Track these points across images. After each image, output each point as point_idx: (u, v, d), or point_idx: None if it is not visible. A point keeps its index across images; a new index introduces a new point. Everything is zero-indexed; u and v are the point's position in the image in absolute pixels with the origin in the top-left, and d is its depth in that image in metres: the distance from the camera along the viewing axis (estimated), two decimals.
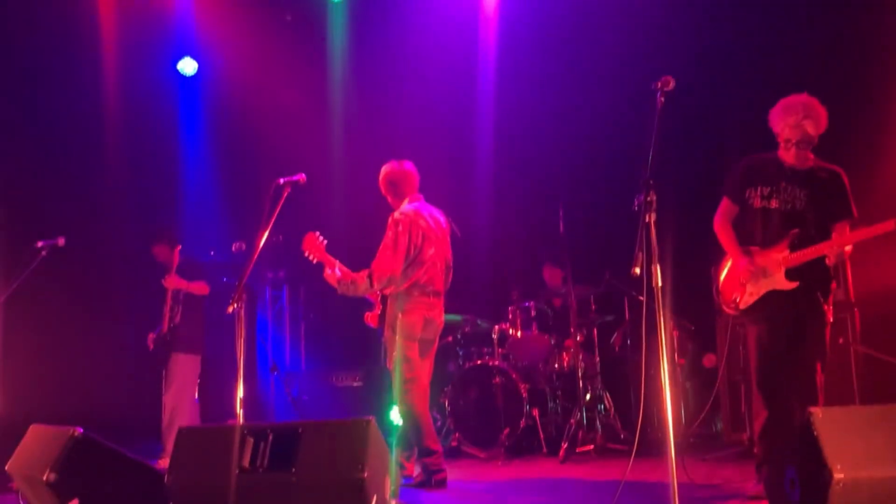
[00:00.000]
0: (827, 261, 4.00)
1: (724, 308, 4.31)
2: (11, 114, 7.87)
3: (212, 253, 8.05)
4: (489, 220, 8.31)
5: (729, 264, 4.26)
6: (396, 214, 4.91)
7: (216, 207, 8.91)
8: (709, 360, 6.92)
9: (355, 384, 7.78)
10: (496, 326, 6.80)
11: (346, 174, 8.39)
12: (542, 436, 6.23)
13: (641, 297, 3.27)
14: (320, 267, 4.96)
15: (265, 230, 4.05)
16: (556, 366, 6.77)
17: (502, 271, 8.06)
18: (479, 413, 6.37)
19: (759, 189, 4.13)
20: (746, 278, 4.10)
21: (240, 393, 3.75)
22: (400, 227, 4.81)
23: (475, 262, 7.64)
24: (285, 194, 4.14)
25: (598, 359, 6.90)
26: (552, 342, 6.80)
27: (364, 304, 5.27)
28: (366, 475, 2.96)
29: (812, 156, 4.10)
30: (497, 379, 6.37)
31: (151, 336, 6.37)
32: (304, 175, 4.20)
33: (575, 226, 6.37)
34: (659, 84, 3.34)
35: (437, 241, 4.95)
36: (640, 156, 3.26)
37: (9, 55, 7.89)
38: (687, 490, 4.15)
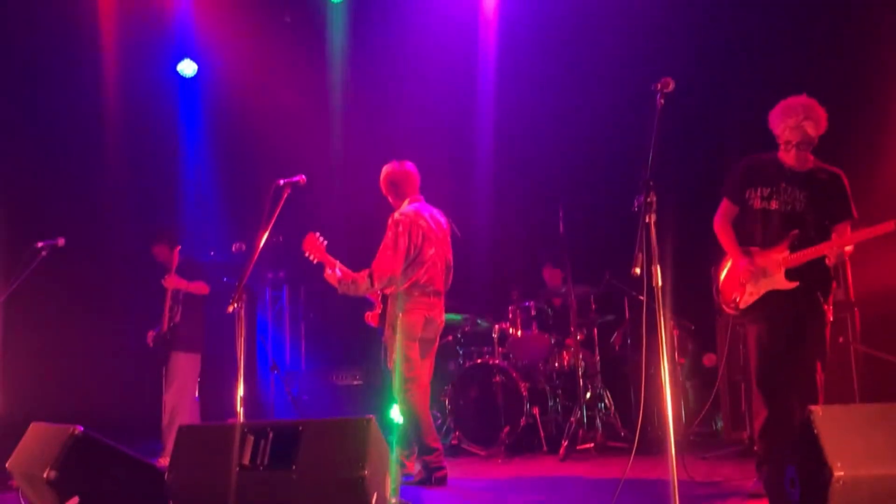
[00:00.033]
0: (827, 261, 4.00)
1: (724, 308, 4.31)
2: (11, 114, 7.88)
3: (212, 253, 8.05)
4: (489, 220, 8.31)
5: (729, 264, 4.26)
6: (396, 215, 4.91)
7: (216, 208, 8.91)
8: (709, 359, 6.93)
9: (355, 383, 7.79)
10: (496, 326, 6.81)
11: (346, 174, 8.40)
12: (542, 434, 6.24)
13: (641, 297, 3.28)
14: (320, 267, 4.97)
15: (265, 231, 4.05)
16: (557, 365, 6.78)
17: (502, 271, 8.07)
18: (480, 411, 6.38)
19: (758, 190, 4.13)
20: (746, 278, 4.10)
21: (240, 392, 3.75)
22: (400, 228, 4.82)
23: (475, 262, 7.64)
24: (285, 195, 4.14)
25: (598, 358, 6.91)
26: (552, 341, 6.81)
27: (364, 303, 5.28)
28: (366, 473, 2.96)
29: (812, 157, 4.11)
30: (497, 378, 6.38)
31: (151, 334, 6.37)
32: (303, 176, 4.20)
33: (575, 226, 6.38)
34: (659, 85, 3.34)
35: (438, 241, 4.96)
36: (639, 156, 3.26)
37: (9, 55, 7.90)
38: (687, 488, 4.15)
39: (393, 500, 3.38)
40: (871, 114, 6.37)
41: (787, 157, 4.07)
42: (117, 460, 3.64)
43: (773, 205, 4.09)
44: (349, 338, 8.25)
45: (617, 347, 7.30)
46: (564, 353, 6.81)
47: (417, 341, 4.83)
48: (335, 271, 4.88)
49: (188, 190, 9.08)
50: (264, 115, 8.75)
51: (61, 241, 5.55)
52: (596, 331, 6.98)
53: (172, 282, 6.24)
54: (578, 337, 6.54)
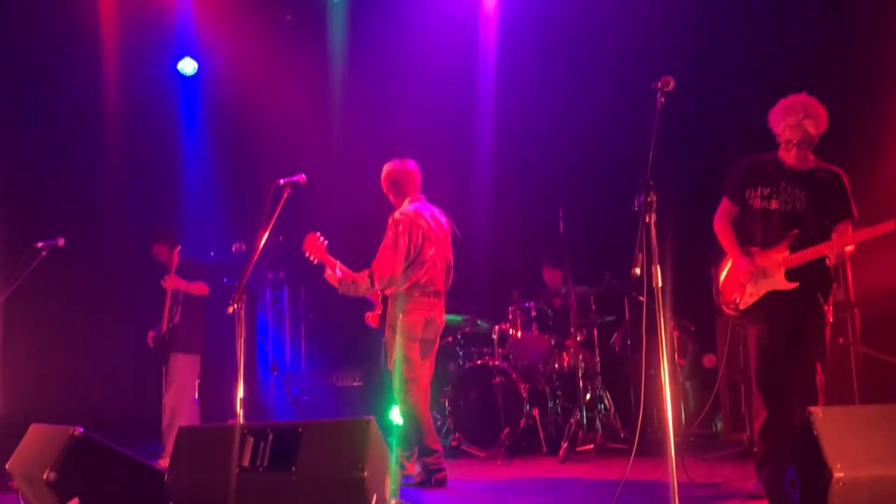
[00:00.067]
0: (827, 261, 4.00)
1: (724, 308, 4.31)
2: (11, 114, 7.88)
3: (212, 253, 8.05)
4: (489, 220, 8.31)
5: (729, 265, 4.26)
6: (397, 214, 4.91)
7: (216, 207, 8.91)
8: (709, 360, 6.93)
9: (355, 384, 7.79)
10: (496, 327, 6.81)
11: (346, 174, 8.39)
12: (542, 435, 6.24)
13: (641, 298, 3.27)
14: (321, 267, 4.96)
15: (265, 231, 4.05)
16: (556, 366, 6.77)
17: (502, 272, 8.07)
18: (480, 413, 6.38)
19: (759, 189, 4.13)
20: (746, 279, 4.10)
21: (240, 393, 3.75)
22: (400, 228, 4.81)
23: (475, 262, 7.64)
24: (285, 195, 4.14)
25: (598, 359, 6.90)
26: (552, 342, 6.81)
27: (364, 304, 5.27)
28: (366, 475, 2.96)
29: (812, 156, 4.10)
30: (497, 379, 6.37)
31: (151, 334, 6.37)
32: (303, 175, 4.20)
33: (575, 226, 6.37)
34: (659, 84, 3.33)
35: (438, 241, 4.96)
36: (640, 156, 3.26)
37: (9, 55, 7.90)
38: (687, 489, 4.15)
39: (392, 502, 3.38)
40: (871, 113, 6.36)
41: (788, 156, 4.07)
42: (117, 462, 3.64)
43: (774, 204, 4.08)
44: (349, 339, 8.25)
45: (617, 348, 7.29)
46: (564, 354, 6.81)
47: (418, 342, 4.82)
48: (335, 271, 4.87)
49: (188, 190, 9.07)
50: (264, 114, 8.75)
51: (61, 242, 5.55)
52: (596, 331, 6.98)
53: (172, 282, 6.23)
54: (578, 338, 6.54)
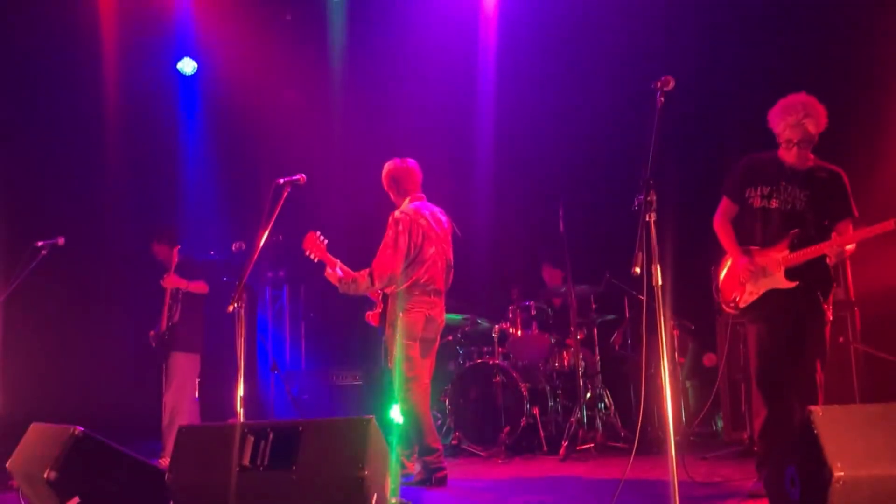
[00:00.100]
0: (828, 260, 4.00)
1: (724, 307, 4.31)
2: (11, 114, 7.88)
3: (212, 252, 8.05)
4: (489, 219, 8.31)
5: (728, 264, 4.26)
6: (397, 213, 4.91)
7: (216, 207, 8.91)
8: (709, 359, 6.93)
9: (355, 383, 7.79)
10: (496, 326, 6.80)
11: (346, 174, 8.40)
12: (542, 434, 6.24)
13: (641, 297, 3.27)
14: (321, 266, 4.97)
15: (265, 230, 4.05)
16: (557, 364, 6.78)
17: (502, 271, 8.07)
18: (480, 412, 6.38)
19: (758, 189, 4.13)
20: (746, 277, 4.10)
21: (240, 392, 3.75)
22: (400, 227, 4.82)
23: (475, 261, 7.65)
24: (285, 194, 4.14)
25: (598, 358, 6.90)
26: (552, 341, 6.81)
27: (365, 302, 5.27)
28: (366, 473, 2.96)
29: (812, 156, 4.10)
30: (497, 378, 6.37)
31: (152, 333, 6.36)
32: (303, 175, 4.20)
33: (575, 225, 6.37)
34: (659, 84, 3.34)
35: (438, 240, 4.96)
36: (640, 156, 3.26)
37: (9, 55, 7.90)
38: (687, 488, 4.15)
39: (393, 501, 3.39)
40: (871, 112, 6.37)
41: (788, 155, 4.07)
42: (118, 461, 3.64)
43: (773, 203, 4.09)
44: (349, 337, 8.25)
45: (617, 347, 7.30)
46: (564, 352, 6.81)
47: (418, 340, 4.82)
48: (336, 270, 4.88)
49: (188, 189, 9.07)
50: (264, 113, 8.75)
51: (61, 241, 5.55)
52: (596, 330, 6.98)
53: (171, 281, 6.22)
54: (578, 336, 6.54)
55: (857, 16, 6.61)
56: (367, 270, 4.83)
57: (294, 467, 3.06)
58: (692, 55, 7.16)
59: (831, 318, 4.05)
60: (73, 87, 8.29)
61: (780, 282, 4.01)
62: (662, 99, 3.33)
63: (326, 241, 4.86)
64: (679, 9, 7.33)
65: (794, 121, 3.98)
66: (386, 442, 3.28)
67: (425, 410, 4.82)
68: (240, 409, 3.72)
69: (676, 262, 5.46)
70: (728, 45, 7.25)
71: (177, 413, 6.07)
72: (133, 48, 8.54)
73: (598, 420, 6.37)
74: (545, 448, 6.16)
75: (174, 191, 9.04)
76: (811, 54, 6.76)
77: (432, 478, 4.71)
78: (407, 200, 5.01)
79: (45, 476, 3.35)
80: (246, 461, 3.15)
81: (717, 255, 4.43)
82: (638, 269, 3.08)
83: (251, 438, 3.18)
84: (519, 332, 6.82)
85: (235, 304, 3.83)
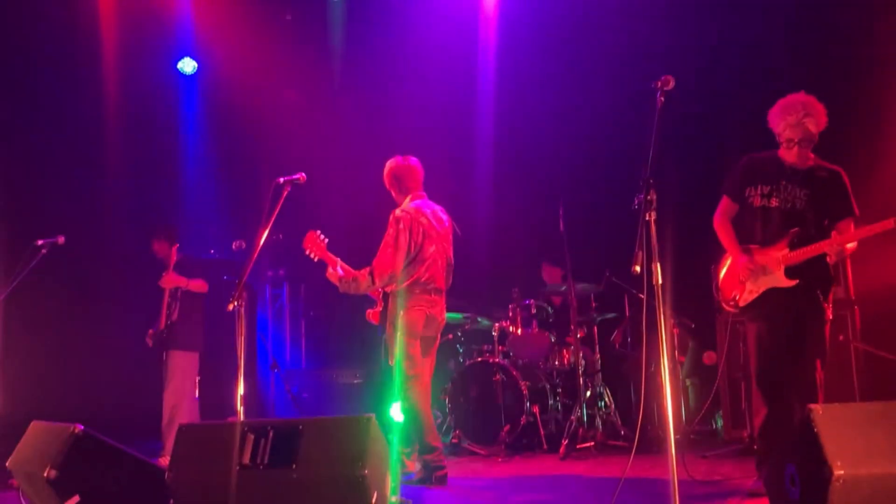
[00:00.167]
0: (828, 259, 4.00)
1: (724, 306, 4.31)
2: (11, 114, 7.88)
3: (212, 251, 8.05)
4: (489, 218, 8.32)
5: (728, 262, 4.27)
6: (397, 212, 4.91)
7: (216, 206, 8.91)
8: (709, 357, 6.93)
9: (355, 381, 7.79)
10: (496, 324, 6.81)
11: (346, 174, 8.40)
12: (542, 433, 6.24)
13: (641, 295, 3.27)
14: (320, 265, 4.97)
15: (265, 228, 4.05)
16: (557, 363, 6.78)
17: (502, 270, 8.07)
18: (480, 410, 6.38)
19: (758, 188, 4.13)
20: (746, 276, 4.11)
21: (240, 390, 3.75)
22: (401, 225, 4.82)
23: (475, 260, 7.65)
24: (285, 193, 4.14)
25: (598, 356, 6.91)
26: (552, 339, 6.81)
27: (365, 301, 5.28)
28: (366, 472, 2.96)
29: (812, 155, 4.10)
30: (497, 376, 6.38)
31: (151, 332, 6.36)
32: (303, 174, 4.20)
33: (575, 225, 6.37)
34: (659, 83, 3.33)
35: (438, 238, 4.96)
36: (640, 155, 3.26)
37: (9, 55, 7.90)
38: (687, 487, 4.15)
39: (393, 499, 3.39)
40: (871, 112, 6.37)
41: (788, 154, 4.07)
42: (118, 459, 3.64)
43: (773, 202, 4.09)
44: (349, 336, 8.26)
45: (617, 346, 7.30)
46: (564, 351, 6.81)
47: (419, 339, 4.83)
48: (336, 270, 4.88)
49: (188, 188, 9.08)
50: (264, 113, 8.75)
51: (61, 239, 5.55)
52: (596, 329, 6.98)
53: (169, 281, 6.21)
54: (578, 335, 6.54)
55: (857, 16, 6.62)
56: (368, 269, 4.83)
57: (294, 466, 3.06)
58: (692, 55, 7.16)
59: (831, 317, 4.05)
60: (74, 87, 8.30)
61: (780, 280, 4.02)
62: (662, 98, 3.33)
63: (327, 240, 4.87)
64: (679, 9, 7.33)
65: (795, 120, 3.98)
66: (386, 440, 3.28)
67: (426, 409, 4.82)
68: (240, 408, 3.72)
69: (676, 260, 5.46)
70: (728, 44, 7.25)
71: (176, 412, 6.06)
72: (133, 48, 8.54)
73: (598, 418, 6.37)
74: (545, 446, 6.17)
75: (174, 190, 9.05)
76: (811, 54, 6.77)
77: (432, 476, 4.72)
78: (408, 199, 5.01)
79: (45, 475, 3.36)
80: (246, 460, 3.15)
81: (716, 253, 4.43)
82: (638, 268, 3.08)
83: (251, 437, 3.18)
84: (519, 331, 6.83)
85: (235, 303, 3.83)
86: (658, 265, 3.14)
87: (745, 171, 4.21)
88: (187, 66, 8.99)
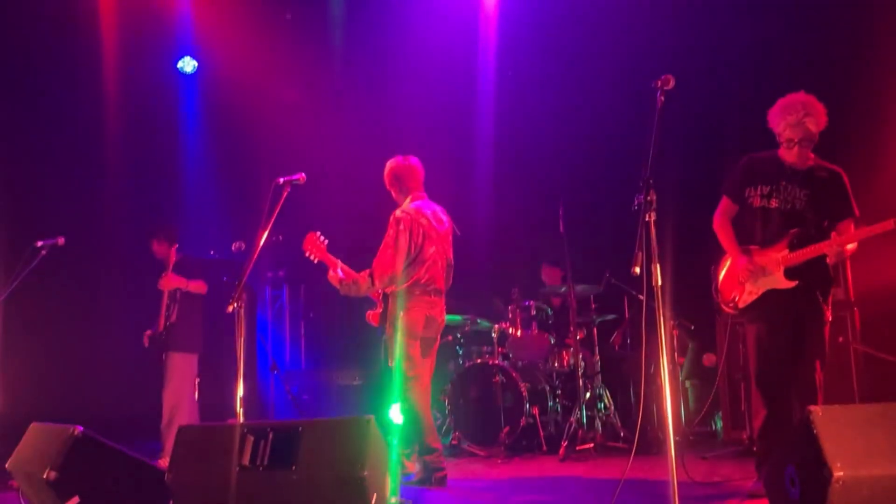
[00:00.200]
0: (827, 260, 4.00)
1: (723, 307, 4.31)
2: (11, 113, 7.87)
3: (212, 252, 8.05)
4: (489, 219, 8.31)
5: (728, 263, 4.26)
6: (398, 213, 4.91)
7: (216, 206, 8.91)
8: (708, 358, 6.93)
9: (355, 382, 7.79)
10: (496, 325, 6.81)
11: (346, 174, 8.41)
12: (541, 434, 6.24)
13: (641, 296, 3.27)
14: (320, 266, 4.97)
15: (265, 229, 4.05)
16: (556, 364, 6.78)
17: (502, 271, 8.07)
18: (480, 411, 6.38)
19: (758, 188, 4.13)
20: (745, 277, 4.11)
21: (240, 392, 3.75)
22: (401, 226, 4.82)
23: (475, 261, 7.64)
24: (285, 193, 4.14)
25: (597, 357, 6.91)
26: (552, 341, 6.81)
27: (365, 302, 5.27)
28: (366, 473, 2.96)
29: (812, 155, 4.10)
30: (497, 377, 6.37)
31: (148, 333, 6.35)
32: (303, 174, 4.20)
33: (575, 225, 6.38)
34: (659, 83, 3.33)
35: (439, 239, 4.96)
36: (640, 156, 3.26)
37: (9, 55, 7.90)
38: (686, 488, 4.15)
39: (393, 500, 3.38)
40: (871, 112, 6.37)
41: (788, 155, 4.07)
42: (117, 460, 3.64)
43: (773, 203, 4.09)
44: (349, 337, 8.26)
45: (616, 347, 7.30)
46: (564, 352, 6.81)
47: (418, 340, 4.83)
48: (337, 272, 4.88)
49: (188, 188, 9.08)
50: (264, 113, 8.75)
51: (61, 240, 5.54)
52: (595, 330, 6.98)
53: (168, 283, 6.20)
54: (578, 336, 6.54)
55: (857, 16, 6.61)
56: (368, 271, 4.84)
57: (294, 467, 3.06)
58: (692, 55, 7.16)
59: (831, 318, 4.06)
60: (73, 87, 8.30)
61: (780, 281, 4.02)
62: (662, 98, 3.33)
63: (327, 242, 4.86)
64: (679, 8, 7.33)
65: (795, 120, 3.98)
66: (386, 442, 3.28)
67: (425, 410, 4.82)
68: (239, 409, 3.72)
69: (676, 261, 5.47)
70: (728, 44, 7.25)
71: (175, 413, 6.06)
72: (133, 47, 8.54)
73: (597, 420, 6.37)
74: (545, 448, 6.16)
75: (174, 190, 9.05)
76: (811, 54, 6.76)
77: (432, 477, 4.71)
78: (408, 199, 5.01)
79: (45, 476, 3.36)
80: (246, 461, 3.15)
81: (716, 254, 4.43)
82: (637, 269, 3.08)
83: (251, 438, 3.18)
84: (518, 332, 6.82)
85: (235, 304, 3.83)
86: (658, 266, 3.14)
87: (744, 171, 4.21)
88: (187, 65, 8.99)
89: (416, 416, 4.74)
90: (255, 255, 4.04)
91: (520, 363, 6.68)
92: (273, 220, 4.09)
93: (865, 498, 2.76)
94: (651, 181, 3.18)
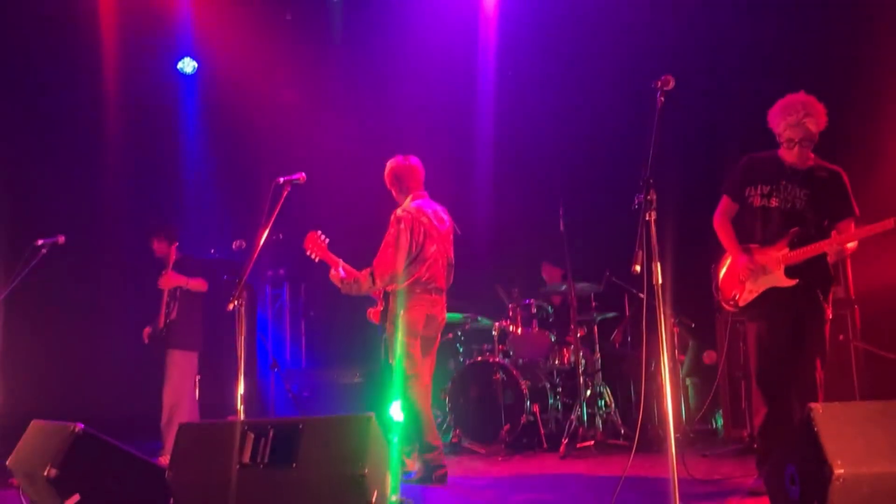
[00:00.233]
0: (828, 258, 4.01)
1: (724, 305, 4.32)
2: (11, 113, 7.87)
3: (212, 251, 8.05)
4: (489, 219, 8.31)
5: (728, 262, 4.27)
6: (399, 212, 4.92)
7: (216, 205, 8.91)
8: (709, 356, 6.93)
9: (356, 380, 7.79)
10: (496, 323, 6.81)
11: (346, 173, 8.41)
12: (542, 432, 6.24)
13: (641, 295, 3.28)
14: (321, 264, 4.97)
15: (265, 228, 4.06)
16: (557, 362, 6.78)
17: (502, 270, 8.07)
18: (480, 409, 6.38)
19: (758, 188, 4.14)
20: (746, 276, 4.11)
21: (240, 390, 3.75)
22: (402, 225, 4.82)
23: (475, 260, 7.64)
24: (285, 193, 4.15)
25: (598, 355, 6.91)
26: (552, 339, 6.82)
27: (365, 300, 5.28)
28: (366, 471, 2.96)
29: (812, 155, 4.11)
30: (497, 375, 6.38)
31: (147, 330, 6.35)
32: (303, 174, 4.21)
33: (575, 225, 6.38)
34: (659, 83, 3.34)
35: (439, 238, 4.97)
36: (639, 155, 3.27)
37: (9, 54, 7.90)
38: (687, 486, 4.15)
39: (393, 498, 3.39)
40: (871, 112, 6.37)
41: (789, 154, 4.07)
42: (118, 458, 3.65)
43: (773, 202, 4.09)
44: (349, 335, 8.26)
45: (617, 345, 7.30)
46: (565, 350, 6.81)
47: (419, 338, 4.83)
48: (338, 271, 4.88)
49: (188, 188, 9.08)
50: (264, 112, 8.75)
51: (61, 239, 5.55)
52: (596, 328, 6.98)
53: (168, 281, 6.20)
54: (579, 334, 6.54)
55: (857, 16, 6.62)
56: (369, 270, 4.84)
57: (294, 465, 3.07)
58: (692, 55, 7.16)
59: (831, 317, 4.06)
60: (74, 87, 8.30)
61: (780, 280, 4.02)
62: (662, 98, 3.34)
63: (328, 241, 4.87)
64: (679, 9, 7.33)
65: (795, 120, 3.98)
66: (386, 439, 3.28)
67: (426, 408, 4.82)
68: (240, 407, 3.72)
69: (676, 260, 5.47)
70: (728, 44, 7.25)
71: (175, 411, 6.06)
72: (133, 48, 8.54)
73: (598, 418, 6.38)
74: (545, 446, 6.17)
75: (174, 190, 9.05)
76: (811, 54, 6.77)
77: (432, 475, 4.72)
78: (409, 198, 5.02)
79: (45, 473, 3.36)
80: (246, 459, 3.15)
81: (716, 253, 4.43)
82: (638, 268, 3.09)
83: (251, 436, 3.19)
84: (519, 330, 6.83)
85: (235, 303, 3.83)
86: (658, 265, 3.15)
87: (745, 170, 4.22)
88: (187, 66, 8.99)
89: (416, 413, 4.74)
90: (256, 254, 4.04)
91: (520, 361, 6.68)
92: (273, 219, 4.09)
93: (866, 496, 2.77)
94: (651, 180, 3.19)
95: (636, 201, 3.21)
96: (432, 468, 4.73)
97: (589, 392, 6.51)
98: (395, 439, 4.73)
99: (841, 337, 5.56)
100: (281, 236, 6.15)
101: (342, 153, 8.46)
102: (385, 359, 5.04)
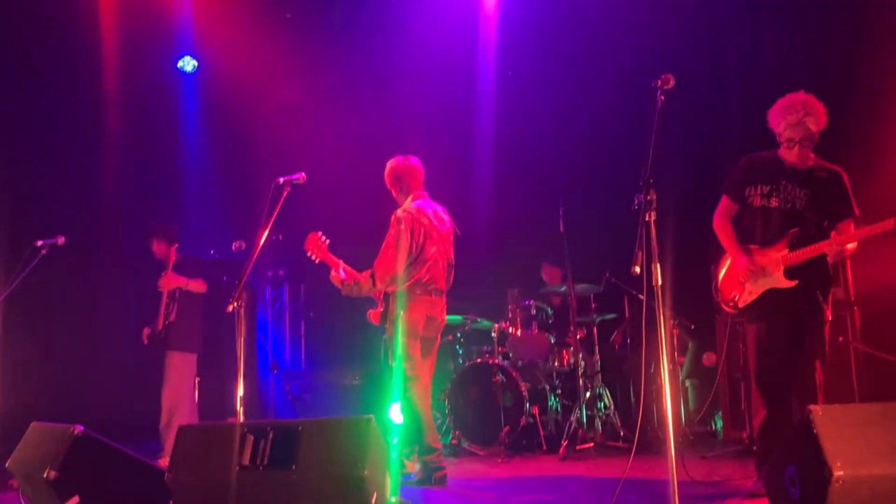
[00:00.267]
0: (828, 259, 4.01)
1: (723, 306, 4.32)
2: (11, 113, 7.87)
3: (212, 251, 8.05)
4: (489, 219, 8.31)
5: (728, 263, 4.27)
6: (399, 212, 4.91)
7: (216, 206, 8.91)
8: (708, 358, 6.93)
9: (355, 382, 7.79)
10: (496, 325, 6.81)
11: (346, 173, 8.40)
12: (541, 433, 6.24)
13: (641, 296, 3.27)
14: (321, 265, 4.97)
15: (265, 229, 4.05)
16: (556, 364, 6.78)
17: (502, 270, 8.07)
18: (480, 411, 6.38)
19: (758, 188, 4.14)
20: (745, 277, 4.11)
21: (240, 391, 3.75)
22: (402, 226, 4.82)
23: (475, 261, 7.64)
24: (285, 193, 4.14)
25: (597, 357, 6.91)
26: (552, 340, 6.81)
27: (365, 301, 5.27)
28: (366, 473, 2.96)
29: (812, 155, 4.11)
30: (497, 377, 6.37)
31: (146, 331, 6.35)
32: (303, 174, 4.20)
33: (575, 225, 6.38)
34: (659, 82, 3.33)
35: (439, 239, 4.96)
36: (640, 155, 3.26)
37: (9, 54, 7.89)
38: (686, 488, 4.15)
39: (393, 500, 3.39)
40: (870, 112, 6.37)
41: (789, 154, 4.07)
42: (117, 460, 3.65)
43: (773, 202, 4.09)
44: (349, 337, 8.25)
45: (616, 346, 7.30)
46: (564, 352, 6.81)
47: (419, 340, 4.83)
48: (339, 272, 4.88)
49: (188, 188, 9.07)
50: (264, 112, 8.75)
51: (61, 240, 5.54)
52: (595, 330, 6.98)
53: (169, 282, 6.20)
54: (578, 336, 6.54)
55: (857, 16, 6.61)
56: (369, 271, 4.84)
57: (294, 467, 3.06)
58: (692, 55, 7.16)
59: (830, 318, 4.06)
60: (73, 86, 8.29)
61: (780, 281, 4.02)
62: (662, 98, 3.33)
63: (328, 242, 4.86)
64: (679, 9, 7.33)
65: (795, 120, 3.98)
66: (386, 441, 3.28)
67: (425, 409, 4.82)
68: (239, 409, 3.72)
69: (676, 261, 5.47)
70: (728, 44, 7.25)
71: (175, 413, 6.05)
72: (133, 46, 8.53)
73: (597, 419, 6.37)
74: (545, 447, 6.16)
75: (174, 191, 9.04)
76: (811, 54, 6.76)
77: (432, 477, 4.72)
78: (409, 198, 5.01)
79: (45, 475, 3.36)
80: (246, 461, 3.15)
81: (716, 254, 4.43)
82: (638, 269, 3.08)
83: (251, 438, 3.18)
84: (519, 332, 6.82)
85: (235, 304, 3.83)
86: (658, 266, 3.14)
87: (744, 170, 4.22)
88: (187, 65, 8.98)
89: (416, 415, 4.74)
90: (256, 255, 4.04)
91: (520, 362, 6.68)
92: (273, 219, 4.09)
93: (865, 497, 2.76)
94: (651, 181, 3.18)
95: (636, 202, 3.20)
96: (432, 470, 4.73)
97: (588, 394, 6.50)
98: (395, 441, 4.72)
99: (840, 338, 5.55)
100: (281, 237, 6.14)
101: (342, 153, 8.45)
102: (385, 360, 5.03)
